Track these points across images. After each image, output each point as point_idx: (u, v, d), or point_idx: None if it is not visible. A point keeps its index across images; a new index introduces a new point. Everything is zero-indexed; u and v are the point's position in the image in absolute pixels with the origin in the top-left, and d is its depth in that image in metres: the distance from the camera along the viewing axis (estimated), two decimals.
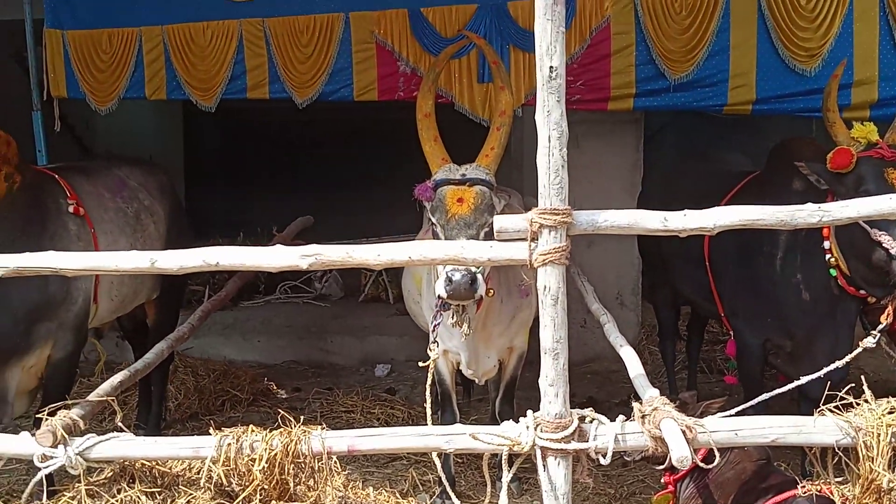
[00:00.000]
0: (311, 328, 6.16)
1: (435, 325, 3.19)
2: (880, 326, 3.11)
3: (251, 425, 2.90)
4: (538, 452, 2.70)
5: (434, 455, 3.20)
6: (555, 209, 2.57)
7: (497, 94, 3.39)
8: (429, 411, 3.13)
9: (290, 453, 2.81)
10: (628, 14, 4.84)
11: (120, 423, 2.87)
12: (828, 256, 3.31)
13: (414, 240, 4.41)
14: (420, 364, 3.18)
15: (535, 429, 2.70)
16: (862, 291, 3.30)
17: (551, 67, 2.53)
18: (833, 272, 3.33)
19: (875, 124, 3.39)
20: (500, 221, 2.65)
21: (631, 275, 5.49)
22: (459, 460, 4.07)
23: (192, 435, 4.51)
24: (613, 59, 4.84)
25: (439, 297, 3.05)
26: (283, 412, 2.94)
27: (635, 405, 2.78)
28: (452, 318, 3.20)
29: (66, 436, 2.77)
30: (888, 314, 3.12)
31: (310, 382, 5.46)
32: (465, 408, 4.72)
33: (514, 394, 3.89)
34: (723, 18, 4.80)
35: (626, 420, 2.74)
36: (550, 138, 2.55)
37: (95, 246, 3.66)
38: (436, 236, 3.18)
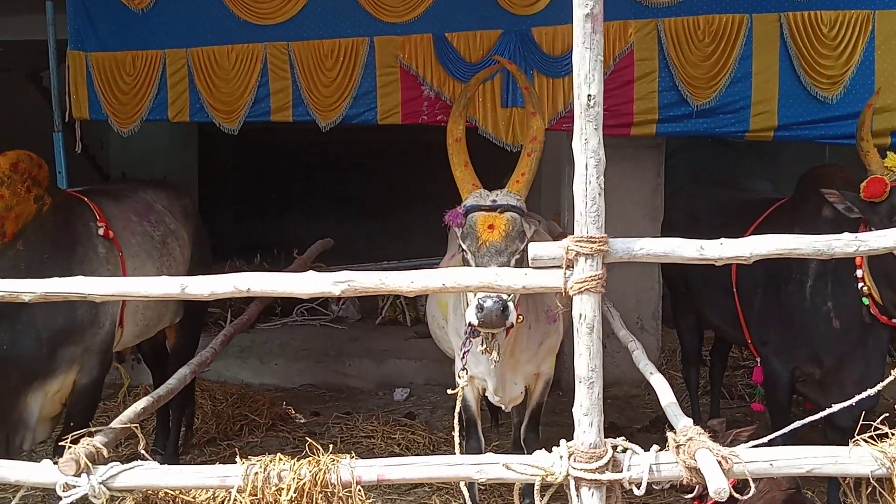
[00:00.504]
0: (328, 351, 6.14)
1: (465, 353, 3.16)
2: None
3: (279, 454, 2.87)
4: (571, 482, 2.66)
5: (462, 483, 3.17)
6: (591, 237, 2.55)
7: (529, 120, 3.38)
8: (457, 439, 3.10)
9: (319, 483, 2.77)
10: (651, 41, 4.87)
11: (143, 451, 2.83)
12: (860, 285, 3.29)
13: (439, 265, 4.45)
14: (449, 392, 3.16)
15: (569, 458, 2.66)
16: (894, 320, 3.27)
17: (589, 95, 2.53)
18: (866, 301, 3.30)
19: None
20: (535, 249, 2.64)
21: (651, 299, 5.47)
22: (483, 487, 4.03)
23: (211, 460, 4.52)
24: (636, 85, 4.86)
25: (469, 324, 3.02)
26: (310, 440, 2.91)
27: (670, 435, 2.75)
28: (482, 345, 3.18)
29: (90, 464, 2.72)
30: None
31: (328, 406, 5.43)
32: (487, 433, 4.68)
33: (539, 420, 3.85)
34: (745, 45, 4.82)
35: (660, 450, 2.71)
36: (588, 166, 2.55)
37: (123, 270, 3.66)
38: (466, 262, 3.16)
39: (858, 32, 4.70)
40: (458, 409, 3.18)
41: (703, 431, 2.72)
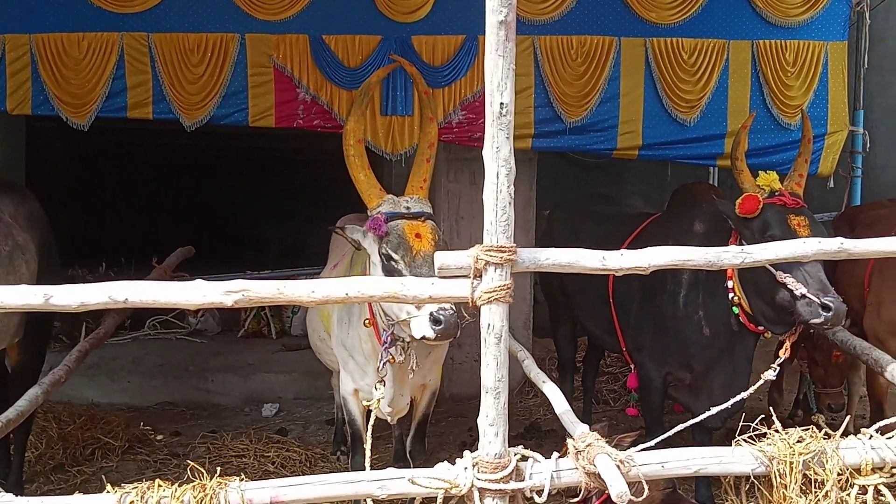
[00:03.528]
0: (188, 366, 5.76)
1: (384, 363, 3.06)
2: (779, 360, 3.31)
3: (157, 480, 2.64)
4: (476, 494, 2.63)
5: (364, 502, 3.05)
6: (501, 246, 2.55)
7: (426, 125, 3.33)
8: (367, 454, 2.97)
9: None
10: (528, 57, 5.00)
11: None
12: (731, 295, 3.50)
13: (319, 276, 4.29)
14: (365, 403, 3.05)
15: (474, 469, 2.64)
16: (760, 328, 3.51)
17: (502, 104, 2.53)
18: (736, 310, 3.51)
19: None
20: (443, 258, 2.59)
21: (523, 309, 5.58)
22: None
23: (60, 489, 4.09)
24: (515, 100, 4.94)
25: (424, 337, 2.87)
26: (192, 463, 2.69)
27: (569, 441, 2.79)
28: (401, 355, 3.09)
29: None
30: (786, 349, 3.33)
31: (190, 425, 5.08)
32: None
33: (426, 432, 3.80)
34: (614, 67, 5.08)
35: (559, 457, 2.74)
36: (499, 175, 2.54)
37: None
38: (391, 272, 3.00)
39: (715, 60, 5.09)
40: (371, 422, 3.04)
41: (600, 437, 2.79)
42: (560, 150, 5.53)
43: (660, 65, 5.09)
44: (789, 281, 3.15)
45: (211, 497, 2.60)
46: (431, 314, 2.82)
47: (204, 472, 2.64)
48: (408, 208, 3.07)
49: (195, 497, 2.58)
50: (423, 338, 2.87)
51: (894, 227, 3.89)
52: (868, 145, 5.58)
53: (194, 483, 2.61)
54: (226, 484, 2.64)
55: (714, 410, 3.14)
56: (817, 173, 5.24)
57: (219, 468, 3.90)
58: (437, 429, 4.94)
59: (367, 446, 2.89)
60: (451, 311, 2.81)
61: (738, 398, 3.21)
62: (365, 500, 2.92)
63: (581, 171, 8.28)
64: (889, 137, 7.06)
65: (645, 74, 5.10)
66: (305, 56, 4.91)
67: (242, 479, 2.64)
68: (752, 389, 3.23)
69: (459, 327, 2.84)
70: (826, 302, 3.09)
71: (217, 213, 10.86)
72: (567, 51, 5.01)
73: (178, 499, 2.58)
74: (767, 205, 3.34)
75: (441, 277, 2.63)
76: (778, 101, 5.13)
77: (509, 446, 2.72)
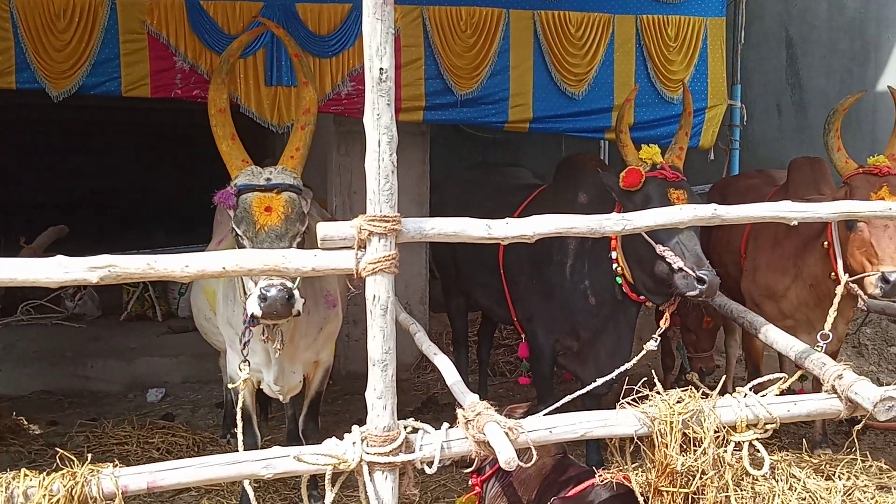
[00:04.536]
0: (65, 352, 5.43)
1: (245, 343, 2.93)
2: (659, 330, 3.40)
3: (24, 469, 2.47)
4: (365, 468, 2.60)
5: (246, 483, 2.95)
6: (385, 216, 2.50)
7: (301, 91, 3.17)
8: (240, 436, 2.91)
9: (77, 497, 2.44)
10: (417, 27, 4.93)
11: None
12: (615, 266, 3.58)
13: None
14: (230, 386, 2.92)
15: (363, 443, 2.60)
16: (642, 297, 3.61)
17: (381, 69, 2.46)
18: (619, 280, 3.60)
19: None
20: (325, 229, 2.52)
21: (419, 284, 5.55)
22: (257, 485, 3.80)
23: None
24: (404, 71, 4.90)
25: (252, 315, 2.78)
26: (62, 452, 2.53)
27: (459, 411, 2.79)
28: (263, 333, 2.97)
29: None
30: (666, 319, 3.44)
31: (68, 414, 4.80)
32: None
33: (319, 410, 3.71)
34: (503, 40, 5.08)
35: (450, 427, 2.73)
36: (381, 142, 2.48)
37: None
38: (241, 248, 2.90)
39: (601, 34, 5.16)
40: (240, 405, 2.98)
41: (490, 406, 2.79)
42: (452, 123, 5.49)
43: (548, 38, 5.12)
44: (668, 254, 3.23)
45: (82, 485, 2.46)
46: (260, 291, 2.70)
47: (75, 460, 2.49)
48: (268, 179, 2.91)
49: (65, 486, 2.44)
50: (253, 316, 2.75)
51: (763, 195, 4.07)
52: (745, 119, 5.83)
53: (63, 471, 2.46)
54: (98, 471, 2.50)
55: (600, 381, 3.22)
56: (698, 146, 5.43)
57: (99, 458, 3.74)
58: (333, 407, 4.87)
59: (240, 429, 2.76)
60: (280, 288, 2.68)
61: (622, 368, 3.28)
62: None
63: (478, 147, 8.30)
64: (766, 113, 7.42)
65: (534, 47, 5.13)
66: (182, 22, 4.67)
67: (116, 465, 2.51)
68: (635, 360, 3.30)
69: (292, 305, 2.71)
70: (701, 275, 3.18)
71: (97, 191, 10.27)
72: (456, 22, 4.97)
73: (45, 488, 2.43)
74: (649, 178, 3.41)
75: (324, 249, 2.56)
76: (661, 76, 5.27)
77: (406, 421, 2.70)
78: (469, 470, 3.24)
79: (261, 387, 3.48)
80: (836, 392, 2.91)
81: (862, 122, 6.38)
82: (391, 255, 2.51)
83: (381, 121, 2.48)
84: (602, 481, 2.97)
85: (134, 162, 11.12)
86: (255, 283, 2.76)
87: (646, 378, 3.02)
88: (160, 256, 2.52)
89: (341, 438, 2.64)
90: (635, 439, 2.86)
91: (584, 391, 3.20)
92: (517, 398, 5.05)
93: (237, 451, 2.77)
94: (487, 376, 5.25)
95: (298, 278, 2.78)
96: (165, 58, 4.68)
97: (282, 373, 3.35)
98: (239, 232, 2.88)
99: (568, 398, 3.11)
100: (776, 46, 7.44)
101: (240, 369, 2.91)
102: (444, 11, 4.98)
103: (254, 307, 2.73)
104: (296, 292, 2.76)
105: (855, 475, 3.13)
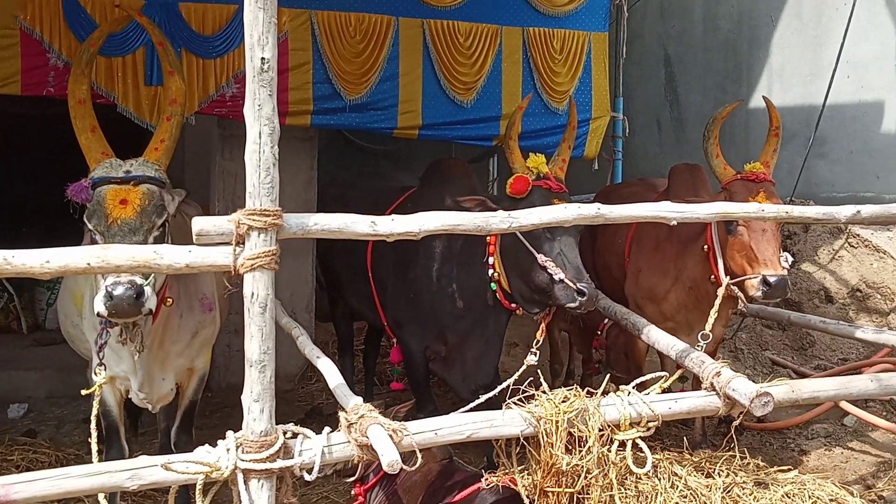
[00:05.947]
0: None
1: (101, 345, 2.75)
2: (538, 343, 3.42)
3: None
4: (240, 476, 2.46)
5: (101, 497, 2.75)
6: (265, 210, 2.40)
7: (166, 80, 3.04)
8: (94, 447, 2.70)
9: None
10: (305, 31, 4.85)
11: None
12: (491, 272, 3.57)
13: None
14: (83, 392, 2.72)
15: (237, 450, 2.47)
16: (514, 305, 3.61)
17: (263, 59, 2.38)
18: (494, 286, 3.59)
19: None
20: (201, 223, 2.39)
21: (305, 292, 5.41)
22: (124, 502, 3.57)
23: None
24: (291, 75, 4.80)
25: (98, 314, 2.61)
26: None
27: (341, 414, 2.70)
28: (121, 335, 2.79)
29: None
30: (542, 331, 3.47)
31: None
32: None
33: (193, 421, 3.52)
34: (393, 46, 5.07)
35: (331, 431, 2.64)
36: (262, 134, 2.39)
37: None
38: (94, 243, 2.70)
39: (489, 44, 5.24)
40: (94, 412, 2.77)
41: (373, 408, 2.72)
42: (340, 128, 5.44)
43: (437, 46, 5.15)
44: (549, 265, 3.26)
45: None
46: (105, 289, 2.56)
47: None
48: (128, 172, 2.78)
49: None
50: (99, 315, 2.60)
51: (645, 201, 4.20)
52: (627, 131, 6.03)
53: None
54: None
55: (484, 398, 3.14)
56: (583, 156, 5.58)
57: None
58: (211, 420, 4.66)
59: (94, 438, 2.56)
60: (127, 286, 2.55)
61: (503, 385, 3.17)
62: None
63: (368, 158, 8.28)
64: (647, 127, 7.74)
65: (423, 55, 5.14)
66: (57, 18, 4.40)
67: None
68: (516, 375, 3.20)
69: (142, 304, 2.59)
70: (581, 287, 3.22)
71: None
72: (345, 27, 4.92)
73: None
74: (535, 187, 3.44)
75: (200, 245, 2.43)
76: (547, 87, 5.39)
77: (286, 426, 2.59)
78: (352, 479, 3.15)
79: (129, 396, 3.28)
80: (714, 389, 3.00)
81: (735, 136, 6.73)
82: (271, 251, 2.42)
83: (262, 111, 2.39)
84: (488, 485, 2.95)
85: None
86: (104, 281, 2.60)
87: (532, 378, 3.03)
88: (18, 251, 2.33)
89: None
90: (521, 440, 2.85)
91: (473, 405, 3.11)
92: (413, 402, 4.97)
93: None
94: (374, 385, 5.17)
95: (152, 275, 2.64)
96: (38, 54, 4.40)
97: (149, 380, 3.16)
98: (90, 226, 2.74)
99: (461, 411, 3.04)
100: (655, 65, 7.80)
101: (95, 373, 2.73)
102: (334, 17, 4.93)
103: (99, 305, 2.57)
104: (147, 289, 2.62)
105: (734, 472, 3.21)
